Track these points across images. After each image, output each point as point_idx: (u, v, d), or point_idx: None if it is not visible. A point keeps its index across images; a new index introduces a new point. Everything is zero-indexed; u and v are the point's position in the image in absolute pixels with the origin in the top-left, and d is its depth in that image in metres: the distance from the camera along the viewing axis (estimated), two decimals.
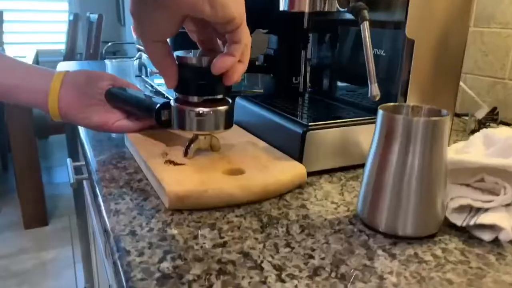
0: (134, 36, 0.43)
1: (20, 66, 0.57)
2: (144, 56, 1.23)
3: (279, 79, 0.77)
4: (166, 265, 0.34)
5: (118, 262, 0.35)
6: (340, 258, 0.36)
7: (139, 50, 1.32)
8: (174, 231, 0.39)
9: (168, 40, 0.45)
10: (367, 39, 0.47)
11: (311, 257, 0.36)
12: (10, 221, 2.12)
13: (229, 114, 0.51)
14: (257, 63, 0.78)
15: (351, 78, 0.69)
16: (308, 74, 0.74)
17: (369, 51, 0.47)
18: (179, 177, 0.46)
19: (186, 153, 0.52)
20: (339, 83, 0.71)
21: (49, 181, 2.63)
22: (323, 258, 0.36)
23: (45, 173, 2.62)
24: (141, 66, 1.20)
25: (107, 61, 0.89)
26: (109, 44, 1.43)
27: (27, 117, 1.90)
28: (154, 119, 0.57)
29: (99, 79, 0.60)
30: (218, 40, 0.49)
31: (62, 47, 3.07)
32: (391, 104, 0.42)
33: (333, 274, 0.33)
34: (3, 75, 0.56)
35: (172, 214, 0.42)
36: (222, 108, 0.50)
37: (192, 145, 0.52)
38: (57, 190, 2.51)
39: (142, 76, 1.17)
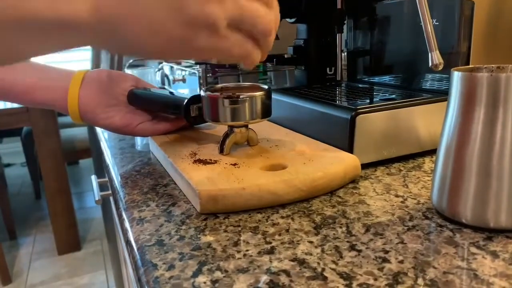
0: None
1: (37, 66, 0.54)
2: (166, 67, 1.19)
3: (312, 71, 0.70)
4: (202, 280, 0.27)
5: (144, 279, 0.28)
6: (424, 260, 0.28)
7: (160, 62, 1.29)
8: (210, 238, 0.32)
9: None
10: None
11: (386, 260, 0.28)
12: (44, 248, 2.11)
13: (267, 100, 0.44)
14: (285, 55, 0.71)
15: (395, 61, 0.61)
16: (344, 60, 0.66)
17: (425, 12, 0.39)
18: (211, 175, 0.39)
19: (221, 150, 0.45)
20: (381, 68, 0.63)
21: (80, 206, 2.63)
22: (401, 262, 0.28)
23: (76, 198, 2.62)
24: (163, 77, 1.17)
25: (128, 70, 0.84)
26: (131, 60, 1.42)
27: (56, 142, 1.89)
28: (183, 116, 0.51)
29: (122, 80, 0.56)
30: None
31: None
32: (465, 67, 0.34)
33: (420, 281, 0.25)
34: (20, 74, 0.52)
35: (206, 219, 0.35)
36: (259, 94, 0.43)
37: (227, 140, 0.45)
38: (88, 214, 2.49)
39: (165, 87, 1.13)
